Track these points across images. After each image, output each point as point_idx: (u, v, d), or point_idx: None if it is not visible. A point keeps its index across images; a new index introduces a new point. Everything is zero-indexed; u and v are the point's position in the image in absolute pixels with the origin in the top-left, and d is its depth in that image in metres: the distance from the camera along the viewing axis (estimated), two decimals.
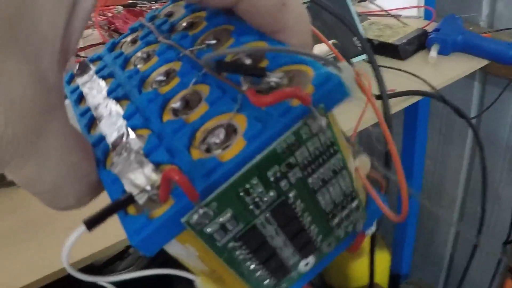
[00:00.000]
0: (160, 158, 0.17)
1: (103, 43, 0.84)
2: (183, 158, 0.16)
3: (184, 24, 0.24)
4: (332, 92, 0.16)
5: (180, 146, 0.17)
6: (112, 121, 0.20)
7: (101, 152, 0.19)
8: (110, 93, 0.22)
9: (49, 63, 0.14)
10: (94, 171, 0.17)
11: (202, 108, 0.18)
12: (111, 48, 0.27)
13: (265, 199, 0.17)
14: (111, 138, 0.19)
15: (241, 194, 0.16)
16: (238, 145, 0.16)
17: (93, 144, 0.19)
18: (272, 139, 0.16)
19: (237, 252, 0.18)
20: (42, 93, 0.14)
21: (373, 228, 0.23)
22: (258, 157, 0.16)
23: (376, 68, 0.55)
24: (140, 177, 0.16)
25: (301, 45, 0.19)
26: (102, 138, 0.20)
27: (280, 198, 0.17)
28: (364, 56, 0.65)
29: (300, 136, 0.16)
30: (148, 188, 0.16)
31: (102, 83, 0.24)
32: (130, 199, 0.16)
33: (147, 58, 0.24)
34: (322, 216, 0.20)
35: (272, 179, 0.17)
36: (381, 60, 0.74)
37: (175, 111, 0.19)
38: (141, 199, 0.16)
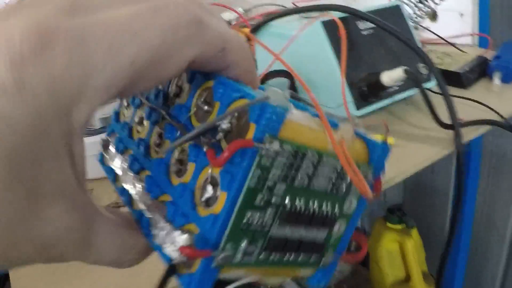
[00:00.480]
0: (181, 222, 0.21)
1: None
2: (195, 217, 0.21)
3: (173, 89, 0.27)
4: (270, 118, 0.19)
5: (189, 208, 0.21)
6: (140, 195, 0.26)
7: (145, 225, 0.23)
8: (131, 168, 0.27)
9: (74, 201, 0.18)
10: (141, 241, 0.22)
11: (190, 167, 0.22)
12: (117, 118, 0.33)
13: (267, 217, 0.21)
14: (147, 213, 0.24)
15: (244, 228, 0.20)
16: (222, 197, 0.20)
17: (138, 219, 0.24)
18: (242, 181, 0.19)
19: (271, 257, 0.22)
20: (80, 220, 0.19)
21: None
22: (240, 199, 0.19)
23: (446, 95, 0.52)
24: (173, 247, 0.21)
25: (245, 74, 0.23)
26: (141, 213, 0.24)
27: (279, 209, 0.21)
28: (430, 84, 0.61)
29: (263, 166, 0.19)
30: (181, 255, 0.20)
31: (121, 158, 0.29)
32: (172, 268, 0.21)
33: (141, 123, 0.29)
34: (327, 194, 0.23)
35: (262, 203, 0.20)
36: None
37: (177, 173, 0.23)
38: (180, 261, 0.20)
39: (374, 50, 0.59)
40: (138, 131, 0.29)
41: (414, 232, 1.04)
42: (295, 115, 0.21)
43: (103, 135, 0.33)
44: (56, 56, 0.15)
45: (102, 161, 0.32)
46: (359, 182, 0.22)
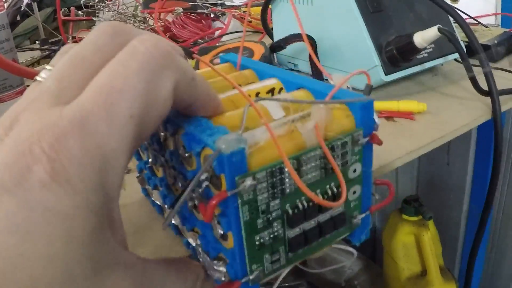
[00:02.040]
0: (214, 253, 0.25)
1: None
2: (222, 249, 0.24)
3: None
4: (231, 165, 0.20)
5: (214, 241, 0.24)
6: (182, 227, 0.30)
7: (194, 251, 0.29)
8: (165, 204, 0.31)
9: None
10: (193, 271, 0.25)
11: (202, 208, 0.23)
12: (139, 157, 0.35)
13: (276, 229, 0.23)
14: (192, 242, 0.29)
15: (260, 247, 0.23)
16: (229, 234, 0.23)
17: (186, 245, 0.30)
18: (237, 221, 0.22)
19: (299, 252, 0.25)
20: (133, 280, 0.20)
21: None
22: (243, 233, 0.22)
23: (483, 59, 0.47)
24: (217, 274, 0.24)
25: (212, 103, 0.24)
26: (188, 242, 0.29)
27: (284, 218, 0.23)
28: (456, 55, 0.56)
29: (247, 201, 0.22)
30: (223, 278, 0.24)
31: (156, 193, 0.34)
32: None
33: (155, 163, 0.31)
34: (324, 179, 0.24)
35: (265, 224, 0.23)
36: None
37: (196, 209, 0.26)
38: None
39: (402, 14, 0.54)
40: (157, 170, 0.32)
41: (431, 224, 0.99)
42: (262, 136, 0.22)
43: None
44: (71, 147, 0.17)
45: (147, 194, 0.37)
46: (337, 170, 0.24)
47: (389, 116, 0.47)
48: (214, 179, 0.22)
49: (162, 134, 0.27)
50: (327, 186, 0.25)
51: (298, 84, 0.29)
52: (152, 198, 0.35)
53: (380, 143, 0.26)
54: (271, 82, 0.31)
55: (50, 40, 1.02)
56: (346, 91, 0.26)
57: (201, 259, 0.26)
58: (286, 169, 0.22)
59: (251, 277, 0.23)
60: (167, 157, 0.27)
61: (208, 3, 0.85)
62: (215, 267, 0.24)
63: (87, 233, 0.17)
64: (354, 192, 0.26)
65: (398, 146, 0.41)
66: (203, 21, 0.87)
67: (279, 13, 0.61)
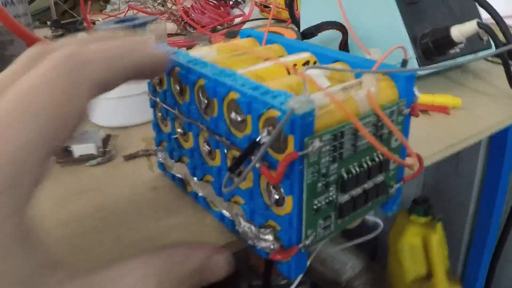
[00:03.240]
0: (261, 220, 0.25)
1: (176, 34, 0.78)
2: (272, 215, 0.24)
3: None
4: (302, 127, 0.21)
5: (263, 209, 0.25)
6: (214, 199, 0.30)
7: (229, 224, 0.29)
8: (195, 176, 0.31)
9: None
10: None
11: (249, 174, 0.25)
12: (158, 129, 0.36)
13: (331, 194, 0.24)
14: (227, 214, 0.29)
15: (316, 212, 0.24)
16: (288, 199, 0.23)
17: (220, 219, 0.30)
18: (301, 184, 0.22)
19: (346, 218, 0.26)
20: None
21: None
22: (304, 196, 0.22)
23: None
24: (265, 244, 0.24)
25: (155, 58, 0.25)
26: (222, 214, 0.29)
27: (338, 182, 0.24)
28: (488, 52, 0.55)
29: (312, 163, 0.22)
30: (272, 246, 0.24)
31: (180, 166, 0.34)
32: (270, 260, 0.25)
33: (185, 134, 0.31)
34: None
35: (323, 188, 0.23)
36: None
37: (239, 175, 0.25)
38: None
39: (436, 8, 0.53)
40: (185, 141, 0.31)
41: (439, 227, 0.98)
42: (322, 101, 0.22)
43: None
44: None
45: (164, 168, 0.36)
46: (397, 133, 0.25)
47: (424, 109, 0.45)
48: (275, 141, 0.22)
49: (205, 101, 0.27)
50: (375, 154, 0.26)
51: (333, 57, 0.30)
52: (173, 172, 0.34)
53: (417, 115, 0.27)
54: (305, 55, 0.31)
55: (62, 22, 1.01)
56: (386, 65, 0.27)
57: (241, 230, 0.26)
58: (347, 134, 0.23)
59: (307, 242, 0.23)
60: (207, 124, 0.27)
61: None
62: (261, 235, 0.24)
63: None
64: (393, 162, 0.27)
65: (437, 140, 0.40)
66: (221, 8, 0.86)
67: (308, 2, 0.60)
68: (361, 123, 0.24)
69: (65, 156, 0.41)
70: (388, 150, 0.26)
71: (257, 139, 0.22)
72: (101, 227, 0.32)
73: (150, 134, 0.46)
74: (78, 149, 0.41)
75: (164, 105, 0.32)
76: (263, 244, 0.25)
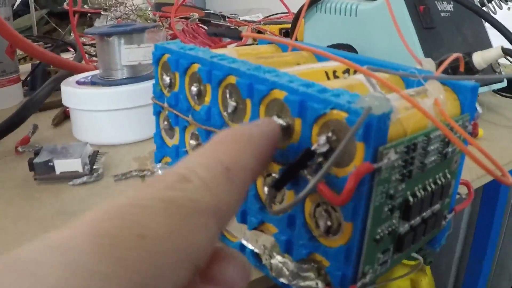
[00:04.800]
0: (302, 254, 0.20)
1: None
2: (319, 248, 0.19)
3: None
4: (379, 132, 0.16)
5: (306, 239, 0.20)
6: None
7: (251, 257, 0.23)
8: None
9: None
10: None
11: (289, 195, 0.20)
12: (161, 141, 0.30)
13: (394, 222, 0.19)
14: (250, 245, 0.24)
15: (377, 243, 0.19)
16: (347, 227, 0.18)
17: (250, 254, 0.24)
18: (367, 207, 0.17)
19: (404, 252, 0.21)
20: None
21: None
22: (369, 225, 0.18)
23: None
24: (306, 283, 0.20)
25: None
26: (242, 245, 0.24)
27: (402, 207, 0.20)
28: (500, 85, 0.53)
29: (383, 180, 0.17)
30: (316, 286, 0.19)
31: None
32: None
33: (198, 146, 0.26)
34: (438, 165, 0.21)
35: (388, 213, 0.19)
36: None
37: (273, 201, 0.21)
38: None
39: (451, 35, 0.50)
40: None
41: (428, 270, 0.94)
42: (398, 104, 0.19)
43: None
44: None
45: None
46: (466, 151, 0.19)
47: None
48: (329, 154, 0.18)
49: (233, 103, 0.22)
50: (437, 176, 0.22)
51: (377, 65, 0.26)
52: None
53: (477, 133, 0.26)
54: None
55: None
56: (444, 77, 0.23)
57: (272, 265, 0.21)
58: (418, 148, 0.19)
59: (364, 281, 0.19)
60: None
61: (221, 15, 0.80)
62: (301, 273, 0.20)
63: None
64: (451, 187, 0.23)
65: (466, 170, 0.36)
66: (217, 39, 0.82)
67: (313, 24, 0.57)
68: (432, 135, 0.20)
69: (45, 172, 0.35)
70: (450, 174, 0.23)
71: (312, 148, 0.18)
72: None
73: (143, 154, 0.41)
74: (61, 165, 0.35)
75: (174, 111, 0.27)
76: (302, 283, 0.20)
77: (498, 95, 0.59)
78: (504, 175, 0.20)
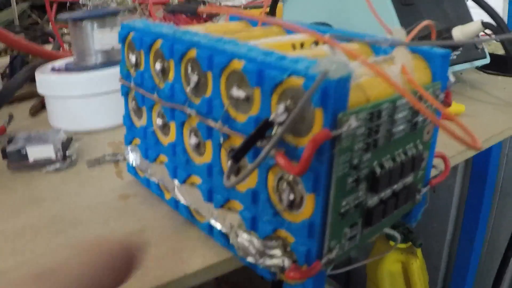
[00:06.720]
0: (268, 230, 0.19)
1: None
2: (283, 223, 0.19)
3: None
4: (337, 97, 0.16)
5: (270, 214, 0.19)
6: (201, 206, 0.24)
7: (220, 237, 0.23)
8: (177, 178, 0.26)
9: None
10: None
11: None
12: (130, 122, 0.30)
13: (360, 194, 0.18)
14: (218, 225, 0.23)
15: (342, 216, 0.18)
16: (309, 199, 0.17)
17: (208, 232, 0.24)
18: (329, 177, 0.17)
19: (374, 227, 0.20)
20: None
21: None
22: (332, 195, 0.17)
23: None
24: (272, 261, 0.19)
25: None
26: (210, 225, 0.24)
27: (369, 178, 0.19)
28: (484, 62, 0.52)
29: (345, 148, 0.16)
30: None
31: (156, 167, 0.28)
32: (278, 283, 0.20)
33: (165, 125, 0.26)
34: (408, 135, 0.21)
35: (353, 184, 0.18)
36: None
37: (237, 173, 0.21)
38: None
39: (431, 10, 0.50)
40: (165, 135, 0.26)
41: (419, 252, 0.94)
42: (357, 71, 0.18)
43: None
44: None
45: (135, 172, 0.30)
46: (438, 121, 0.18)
47: None
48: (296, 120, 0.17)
49: (195, 77, 0.21)
50: (408, 147, 0.21)
51: (346, 37, 0.25)
52: (147, 176, 0.28)
53: (450, 103, 0.23)
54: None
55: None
56: (415, 44, 0.23)
57: (238, 243, 0.20)
58: (383, 116, 0.18)
59: (330, 256, 0.18)
60: (198, 108, 0.22)
61: (203, 0, 0.79)
62: (267, 250, 0.19)
63: None
64: (424, 159, 0.23)
65: (449, 146, 0.36)
66: (195, 21, 0.81)
67: (292, 5, 0.56)
68: (399, 103, 0.19)
69: (18, 160, 0.34)
70: (422, 145, 0.22)
71: (270, 118, 0.17)
72: (59, 240, 0.26)
73: (117, 139, 0.40)
74: (34, 152, 0.34)
75: (140, 90, 0.26)
76: (269, 262, 0.19)
77: (482, 72, 0.58)
78: (474, 141, 0.19)
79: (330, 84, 0.15)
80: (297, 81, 0.16)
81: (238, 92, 0.19)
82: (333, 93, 0.15)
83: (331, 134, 0.16)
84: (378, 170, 0.19)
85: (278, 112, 0.17)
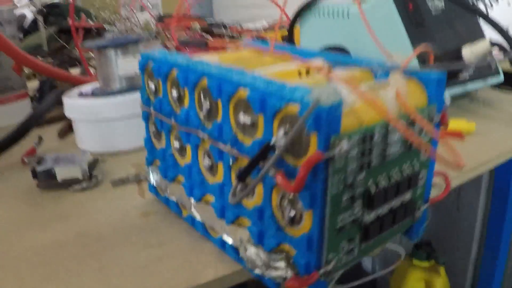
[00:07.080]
0: (272, 244, 0.21)
1: None
2: (286, 237, 0.20)
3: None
4: (329, 121, 0.17)
5: (274, 229, 0.21)
6: (215, 222, 0.26)
7: (231, 251, 0.25)
8: (192, 197, 0.28)
9: None
10: None
11: (259, 189, 0.22)
12: (151, 145, 0.32)
13: (356, 210, 0.20)
14: (230, 239, 0.25)
15: (339, 231, 0.19)
16: (307, 215, 0.19)
17: (220, 246, 0.26)
18: (324, 195, 0.18)
19: (372, 241, 0.22)
20: None
21: None
22: (328, 212, 0.18)
23: None
24: (275, 272, 0.21)
25: None
26: (223, 240, 0.26)
27: (365, 196, 0.20)
28: (497, 80, 0.53)
29: (338, 169, 0.18)
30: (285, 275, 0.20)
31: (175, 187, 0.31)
32: None
33: (182, 148, 0.28)
34: (403, 155, 0.22)
35: (348, 201, 0.19)
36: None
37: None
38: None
39: (442, 31, 0.51)
40: (182, 156, 0.28)
41: (443, 270, 0.93)
42: (348, 99, 0.19)
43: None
44: None
45: (156, 191, 0.32)
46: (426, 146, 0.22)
47: None
48: (294, 143, 0.19)
49: (207, 104, 0.23)
50: (404, 165, 0.22)
51: (349, 63, 0.27)
52: (166, 195, 0.30)
53: (447, 124, 0.24)
54: (318, 62, 0.28)
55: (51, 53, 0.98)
56: (411, 69, 0.24)
57: (246, 257, 0.22)
58: (376, 138, 0.20)
59: (328, 268, 0.19)
60: (210, 132, 0.24)
61: (223, 24, 0.82)
62: (272, 262, 0.21)
63: None
64: (421, 178, 0.24)
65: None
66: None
67: (309, 28, 0.58)
68: (390, 127, 0.20)
69: (47, 179, 0.37)
70: (419, 163, 0.23)
71: (272, 142, 0.19)
72: (83, 255, 0.28)
73: (140, 160, 0.42)
74: (62, 172, 0.37)
75: (158, 116, 0.28)
76: (274, 273, 0.21)
77: (497, 90, 0.59)
78: (458, 158, 0.21)
79: (323, 110, 0.17)
80: (294, 108, 0.18)
81: (244, 118, 0.21)
82: (325, 118, 0.17)
83: (323, 156, 0.17)
84: (373, 188, 0.20)
85: (278, 136, 0.19)
